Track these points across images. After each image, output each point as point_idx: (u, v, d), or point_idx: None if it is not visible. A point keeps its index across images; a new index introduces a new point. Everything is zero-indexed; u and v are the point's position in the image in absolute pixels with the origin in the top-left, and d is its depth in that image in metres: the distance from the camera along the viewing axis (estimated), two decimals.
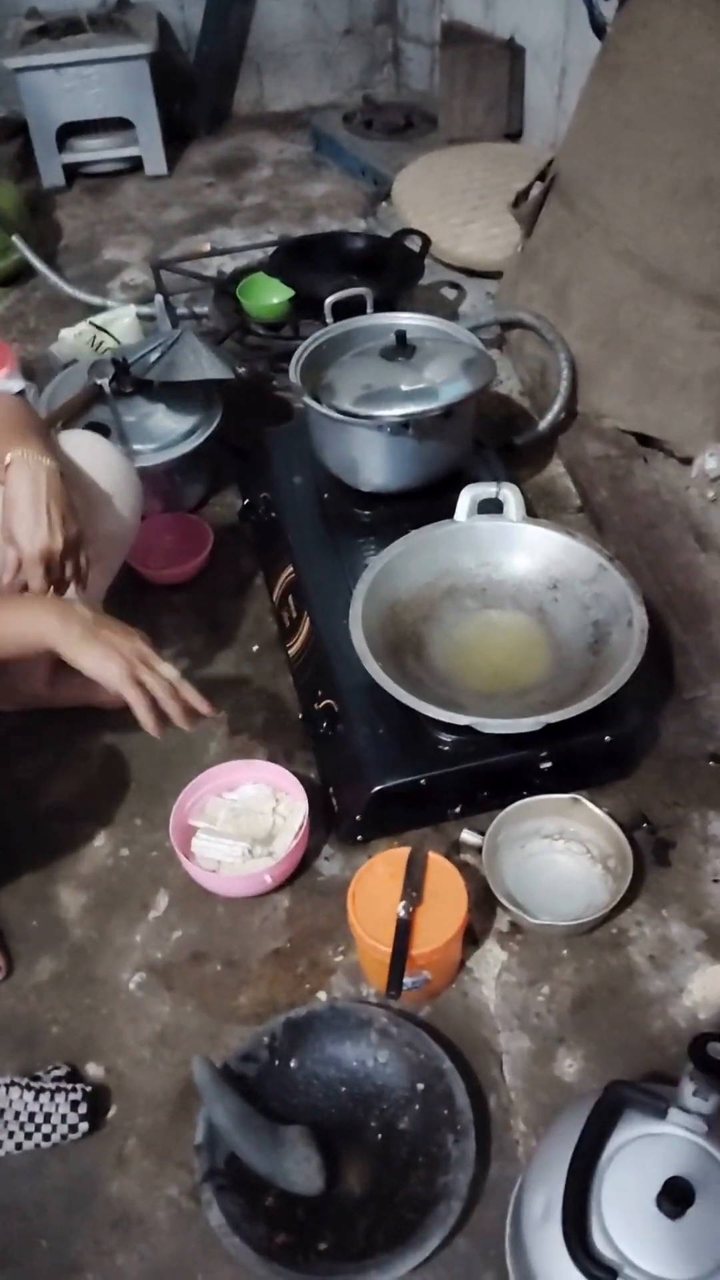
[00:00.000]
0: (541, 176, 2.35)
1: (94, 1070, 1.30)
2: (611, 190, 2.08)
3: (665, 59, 1.93)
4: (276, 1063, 1.23)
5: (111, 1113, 1.26)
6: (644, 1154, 0.98)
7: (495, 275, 2.67)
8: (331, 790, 1.53)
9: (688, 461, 2.14)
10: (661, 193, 1.98)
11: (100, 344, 2.30)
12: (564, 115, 2.85)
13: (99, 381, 1.90)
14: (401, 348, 1.71)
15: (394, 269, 2.41)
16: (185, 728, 1.21)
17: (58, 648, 1.16)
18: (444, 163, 3.13)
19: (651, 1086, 1.03)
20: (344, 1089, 1.23)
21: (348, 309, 1.90)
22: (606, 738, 1.46)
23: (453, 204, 2.90)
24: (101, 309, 2.58)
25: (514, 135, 3.38)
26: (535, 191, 2.36)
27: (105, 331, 2.33)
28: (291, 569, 1.73)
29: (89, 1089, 1.24)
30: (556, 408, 2.17)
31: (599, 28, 2.27)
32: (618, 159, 2.06)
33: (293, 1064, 1.24)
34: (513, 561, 1.62)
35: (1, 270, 2.88)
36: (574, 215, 2.18)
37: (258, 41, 3.84)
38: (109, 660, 1.15)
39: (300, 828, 1.43)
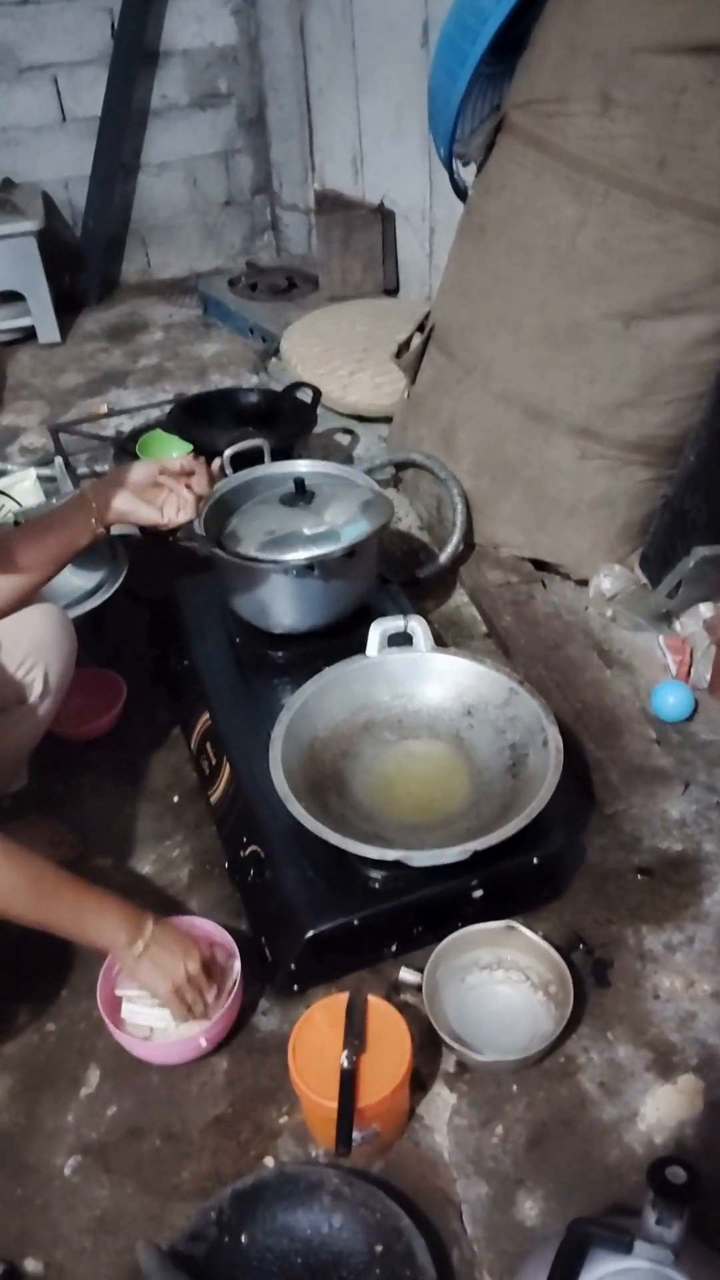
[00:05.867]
0: (420, 328, 2.49)
1: (32, 1266, 1.21)
2: (486, 338, 2.21)
3: (524, 216, 2.08)
4: (226, 1239, 1.17)
5: None
6: None
7: (385, 420, 2.78)
8: (264, 940, 1.49)
9: (584, 583, 2.22)
10: (533, 337, 2.10)
11: (1, 507, 2.31)
12: (436, 271, 3.04)
13: None
14: (301, 493, 1.75)
15: (288, 420, 2.49)
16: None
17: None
18: (328, 319, 3.29)
19: (614, 1220, 1.00)
20: (299, 1260, 1.16)
21: (246, 460, 1.95)
22: (534, 859, 1.46)
23: (339, 357, 3.04)
24: (1, 474, 2.60)
25: (391, 291, 3.59)
26: (415, 342, 2.49)
27: (6, 495, 2.35)
28: (208, 716, 1.73)
29: None
30: (455, 540, 2.24)
31: (460, 191, 2.44)
32: (489, 309, 2.19)
33: (243, 1239, 1.17)
34: (426, 692, 1.64)
35: None
36: (453, 362, 2.30)
37: (142, 215, 4.02)
38: (157, 978, 1.31)
39: (233, 984, 1.38)
